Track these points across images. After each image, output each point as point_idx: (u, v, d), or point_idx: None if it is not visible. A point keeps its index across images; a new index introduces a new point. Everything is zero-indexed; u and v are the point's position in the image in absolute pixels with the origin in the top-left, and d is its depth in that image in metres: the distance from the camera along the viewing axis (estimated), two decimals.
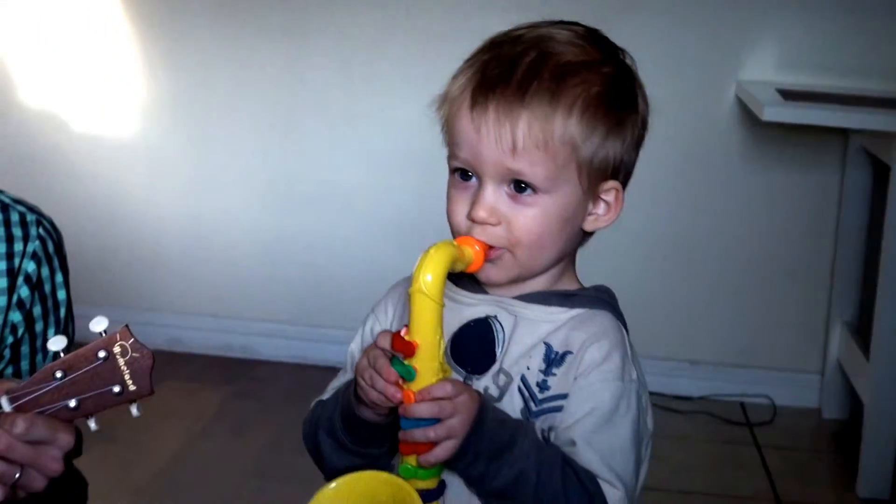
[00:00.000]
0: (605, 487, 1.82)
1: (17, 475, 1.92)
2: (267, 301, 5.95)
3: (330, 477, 1.92)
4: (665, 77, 5.51)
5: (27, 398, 1.92)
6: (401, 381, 1.83)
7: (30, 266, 2.19)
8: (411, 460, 1.85)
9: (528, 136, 1.85)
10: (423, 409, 1.81)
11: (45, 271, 2.21)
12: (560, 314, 1.92)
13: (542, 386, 1.88)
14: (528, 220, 1.88)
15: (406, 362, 1.82)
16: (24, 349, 2.18)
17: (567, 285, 1.98)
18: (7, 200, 2.22)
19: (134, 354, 1.94)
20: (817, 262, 5.71)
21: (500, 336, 1.93)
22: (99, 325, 1.93)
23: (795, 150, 5.67)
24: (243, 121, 5.96)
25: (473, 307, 1.96)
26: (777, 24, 5.67)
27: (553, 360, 1.89)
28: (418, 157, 5.52)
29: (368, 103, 5.77)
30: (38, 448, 1.92)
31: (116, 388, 1.94)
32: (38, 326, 2.18)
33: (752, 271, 5.77)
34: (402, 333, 1.83)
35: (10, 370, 2.14)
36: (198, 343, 5.95)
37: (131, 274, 5.98)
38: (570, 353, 1.88)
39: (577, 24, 1.98)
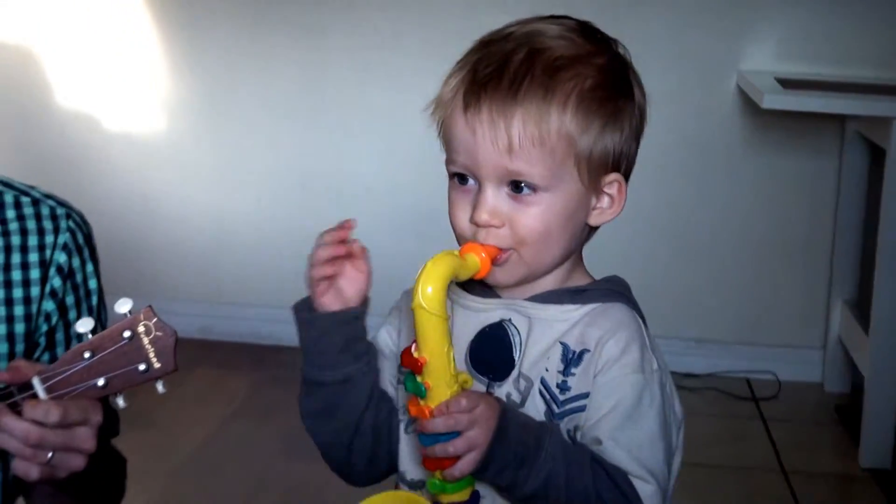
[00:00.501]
0: (637, 483, 1.77)
1: (50, 455, 1.91)
2: (291, 289, 5.92)
3: (324, 451, 1.97)
4: (669, 68, 5.52)
5: (58, 378, 1.92)
6: (417, 399, 1.78)
7: (61, 257, 2.20)
8: (438, 475, 1.79)
9: (523, 135, 1.78)
10: (440, 424, 1.75)
11: (75, 262, 2.21)
12: (574, 311, 1.86)
13: (563, 387, 1.82)
14: (531, 220, 1.82)
15: (418, 379, 1.77)
16: (59, 336, 2.19)
17: (578, 281, 1.92)
18: (38, 196, 2.23)
19: (157, 333, 1.95)
20: (817, 243, 5.71)
21: (517, 340, 1.86)
22: (123, 306, 1.93)
23: (794, 136, 5.67)
24: (264, 118, 5.98)
25: (487, 312, 1.89)
26: (776, 16, 5.68)
27: (571, 359, 1.82)
28: (434, 150, 5.50)
29: (385, 99, 5.78)
30: (71, 430, 1.92)
31: (142, 366, 1.95)
32: (72, 315, 2.19)
33: (755, 253, 5.77)
34: (412, 350, 1.77)
35: (46, 357, 2.16)
36: (227, 331, 5.97)
37: (162, 265, 6.00)
38: (587, 350, 1.82)
39: (567, 17, 1.91)
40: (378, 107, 5.82)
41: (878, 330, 4.85)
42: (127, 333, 1.93)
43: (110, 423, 2.14)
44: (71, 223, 2.23)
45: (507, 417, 1.77)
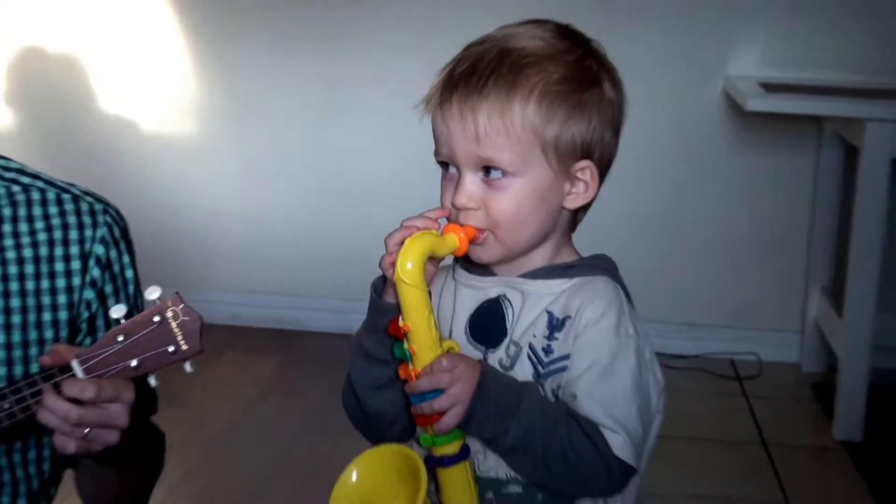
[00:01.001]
0: (607, 434, 1.77)
1: (87, 431, 1.94)
2: (313, 279, 5.97)
3: (369, 423, 1.94)
4: (661, 73, 5.54)
5: (95, 360, 1.95)
6: (406, 364, 1.82)
7: (99, 249, 2.20)
8: (428, 431, 1.83)
9: (489, 125, 1.81)
10: (424, 384, 1.79)
11: (113, 254, 2.22)
12: (561, 285, 1.87)
13: (547, 350, 1.83)
14: (503, 203, 1.84)
15: (404, 345, 1.81)
16: (99, 322, 2.20)
17: (566, 258, 1.92)
18: (77, 192, 2.24)
19: (184, 318, 1.97)
20: (796, 234, 5.72)
21: (510, 312, 1.88)
22: (153, 293, 1.96)
23: (776, 136, 5.67)
24: (285, 122, 5.99)
25: (486, 289, 1.92)
26: (759, 26, 5.68)
27: (555, 325, 1.84)
28: None
29: (395, 105, 5.76)
30: (106, 408, 1.94)
31: (171, 348, 1.97)
32: (111, 302, 2.20)
33: (739, 243, 5.78)
34: (398, 320, 1.82)
35: (87, 341, 2.16)
36: (254, 317, 5.98)
37: (194, 257, 6.01)
38: (569, 317, 1.83)
39: (547, 21, 1.93)
40: (388, 111, 5.82)
41: (852, 315, 4.85)
42: (156, 318, 1.96)
43: (147, 402, 2.17)
44: (108, 218, 2.24)
45: (488, 377, 1.80)
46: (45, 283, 2.16)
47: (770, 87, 5.26)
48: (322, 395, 5.11)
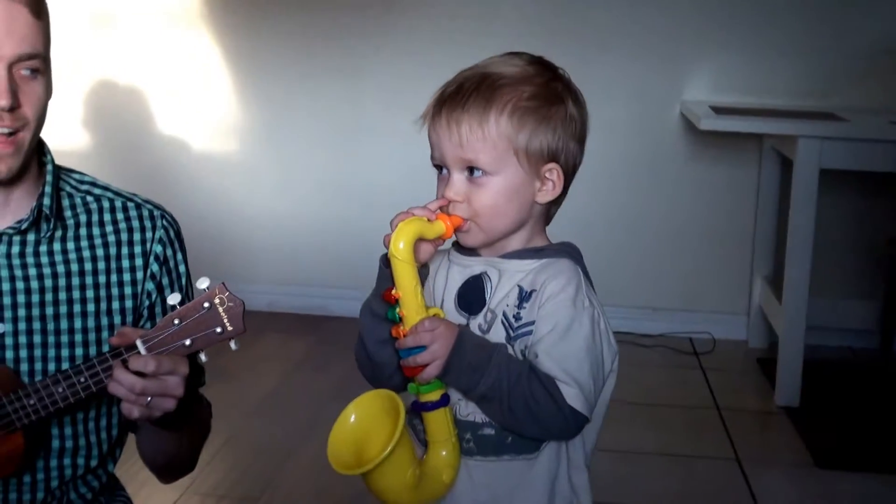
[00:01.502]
0: (562, 387, 1.80)
1: (149, 399, 1.95)
2: (338, 272, 5.97)
3: (374, 370, 1.97)
4: (629, 98, 5.56)
5: (155, 340, 1.96)
6: (397, 325, 1.87)
7: (157, 248, 2.20)
8: (415, 381, 1.87)
9: (469, 133, 1.87)
10: (409, 341, 1.84)
11: (168, 252, 2.22)
12: (531, 264, 1.92)
13: (517, 317, 1.88)
14: (482, 196, 1.89)
15: (396, 310, 1.86)
16: (158, 309, 2.20)
17: (538, 243, 1.97)
18: (139, 201, 2.24)
19: (230, 304, 1.97)
20: (742, 232, 5.72)
21: (489, 286, 1.93)
22: (202, 283, 1.97)
23: (725, 150, 5.68)
24: (312, 140, 5.98)
25: (472, 267, 1.95)
26: (709, 59, 5.69)
27: (524, 297, 1.88)
28: None
29: (407, 124, 5.76)
30: (164, 378, 1.95)
31: (218, 329, 1.97)
32: (167, 292, 2.19)
33: (694, 240, 5.78)
34: (392, 290, 1.86)
35: (148, 325, 2.15)
36: (287, 305, 5.97)
37: (237, 253, 6.00)
38: (534, 290, 1.88)
39: (524, 53, 1.98)
40: (398, 131, 5.78)
41: (789, 300, 4.86)
42: (206, 304, 1.96)
43: (197, 376, 2.17)
44: (165, 222, 2.24)
45: (464, 337, 1.85)
46: (114, 277, 2.16)
47: (719, 110, 5.27)
48: (345, 370, 5.07)
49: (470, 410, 1.90)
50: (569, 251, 1.95)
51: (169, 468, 2.34)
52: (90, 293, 2.13)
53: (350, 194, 5.97)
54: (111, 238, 2.18)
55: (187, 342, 1.97)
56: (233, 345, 2.00)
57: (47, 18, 2.06)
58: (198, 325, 1.97)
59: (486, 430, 1.89)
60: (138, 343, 1.95)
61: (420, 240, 1.88)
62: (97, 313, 2.13)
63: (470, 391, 1.86)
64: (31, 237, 2.11)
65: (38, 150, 2.13)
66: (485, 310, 1.91)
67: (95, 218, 2.18)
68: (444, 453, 1.88)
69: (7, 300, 2.08)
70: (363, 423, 1.89)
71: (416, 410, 1.89)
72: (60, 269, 2.12)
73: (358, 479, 1.90)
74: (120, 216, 2.20)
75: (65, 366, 2.07)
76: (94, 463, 2.18)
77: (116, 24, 5.94)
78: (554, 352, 1.83)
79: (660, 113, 5.71)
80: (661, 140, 5.72)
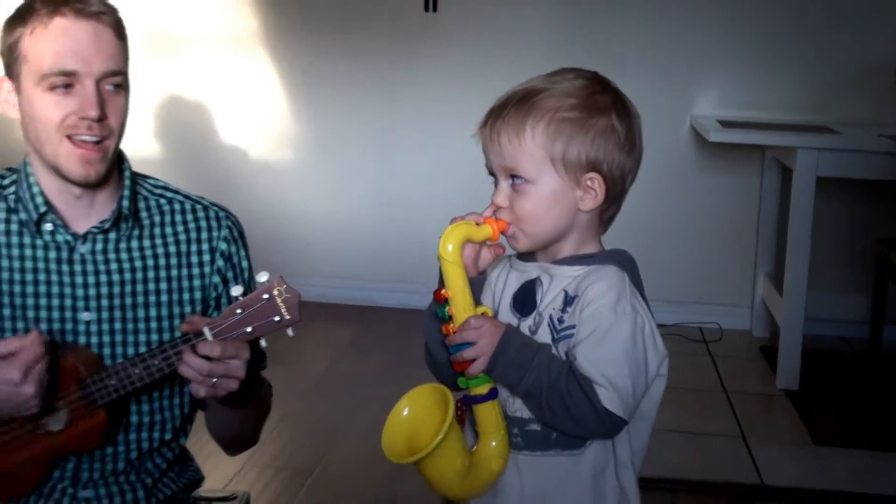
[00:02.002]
0: (597, 389, 1.72)
1: (214, 381, 1.96)
2: (382, 267, 5.97)
3: (437, 368, 1.92)
4: (643, 114, 5.45)
5: (220, 327, 1.96)
6: (447, 323, 1.82)
7: (223, 246, 2.21)
8: (463, 375, 1.83)
9: (508, 143, 1.80)
10: (457, 337, 1.79)
11: (232, 249, 2.23)
12: (578, 270, 1.83)
13: (560, 321, 1.80)
14: (524, 203, 1.81)
15: (445, 309, 1.81)
16: (223, 300, 2.21)
17: (589, 250, 1.88)
18: (206, 203, 2.25)
19: (287, 295, 1.96)
20: (746, 233, 5.70)
21: (540, 290, 1.85)
22: (262, 276, 1.96)
23: (730, 160, 5.66)
24: (360, 149, 5.99)
25: (528, 272, 1.89)
26: (717, 77, 5.68)
27: (567, 302, 1.80)
28: (475, 170, 5.53)
29: (442, 135, 5.78)
30: (228, 362, 1.96)
31: (276, 318, 1.96)
32: (231, 285, 2.20)
33: (703, 240, 5.76)
34: (441, 290, 1.82)
35: (215, 314, 2.16)
36: (337, 296, 5.98)
37: (292, 251, 6.00)
38: (577, 296, 1.79)
39: (578, 69, 1.92)
40: (434, 141, 5.83)
41: (789, 293, 4.85)
42: (266, 296, 1.96)
43: (259, 360, 2.18)
44: (229, 222, 2.25)
45: (510, 335, 1.78)
46: (184, 272, 2.17)
47: (726, 124, 5.27)
48: (388, 355, 5.11)
49: (518, 407, 1.83)
50: (617, 259, 1.88)
51: (233, 442, 2.35)
52: (163, 285, 2.15)
53: (392, 197, 5.98)
54: (182, 237, 2.19)
55: (249, 329, 1.97)
56: (289, 332, 1.99)
57: (126, 40, 2.09)
58: (258, 314, 1.97)
59: (533, 426, 1.82)
60: (205, 330, 1.96)
61: (470, 243, 1.83)
62: (170, 303, 2.15)
63: (514, 387, 1.80)
64: (112, 235, 2.13)
65: (118, 158, 2.14)
66: (534, 312, 1.84)
67: (168, 219, 2.20)
68: (493, 444, 1.82)
69: (92, 291, 2.09)
70: (415, 415, 1.84)
71: (466, 403, 1.85)
72: (138, 263, 2.14)
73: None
74: (189, 217, 2.22)
75: (141, 350, 2.09)
76: (167, 437, 2.20)
77: (184, 46, 5.96)
78: (591, 355, 1.75)
79: (672, 126, 5.69)
80: (673, 151, 5.71)
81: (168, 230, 2.19)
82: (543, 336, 1.82)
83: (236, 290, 1.98)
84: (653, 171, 5.71)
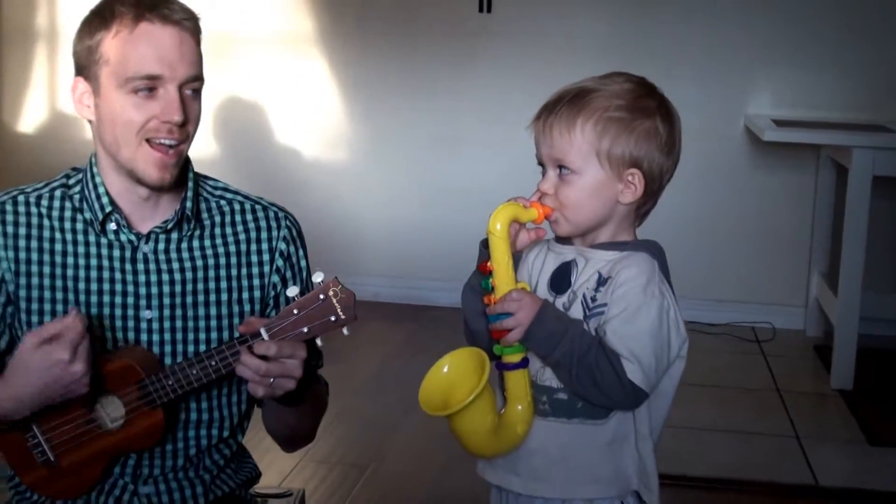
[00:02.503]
0: (624, 362, 1.85)
1: (272, 380, 1.98)
2: (435, 266, 5.98)
3: (473, 337, 2.03)
4: (698, 113, 5.50)
5: (277, 327, 1.98)
6: (489, 294, 1.93)
7: (282, 246, 2.23)
8: (499, 343, 1.92)
9: (559, 137, 1.92)
10: (498, 307, 1.90)
11: (291, 249, 2.24)
12: (612, 255, 1.94)
13: (593, 300, 1.91)
14: (568, 192, 1.93)
15: (490, 280, 1.92)
16: (282, 299, 2.22)
17: (623, 237, 1.99)
18: (265, 204, 2.26)
19: (342, 295, 1.98)
20: (801, 232, 5.67)
21: (575, 271, 1.96)
22: (318, 277, 1.98)
23: (785, 159, 5.63)
24: (413, 149, 6.01)
25: (565, 255, 1.99)
26: (771, 77, 5.66)
27: (600, 282, 1.91)
28: (527, 167, 5.53)
29: (496, 134, 5.79)
30: (285, 362, 1.98)
31: (332, 318, 1.98)
32: (289, 285, 2.21)
33: (757, 239, 5.74)
34: (487, 263, 1.93)
35: (273, 314, 2.16)
36: (391, 295, 6.00)
37: (348, 250, 6.03)
38: (610, 277, 1.91)
39: (627, 73, 2.01)
40: (489, 141, 5.84)
41: (843, 294, 4.83)
42: (321, 296, 1.97)
43: (316, 359, 2.19)
44: (287, 222, 2.26)
45: (546, 309, 1.90)
46: (244, 271, 2.19)
47: (780, 123, 5.25)
48: (441, 352, 5.11)
49: (548, 376, 1.94)
50: (649, 247, 1.97)
51: (290, 439, 2.36)
52: (223, 284, 2.17)
53: (446, 197, 5.98)
54: (242, 236, 2.20)
55: (305, 329, 1.98)
56: (345, 331, 2.00)
57: (201, 47, 2.12)
58: (314, 314, 1.98)
59: (560, 395, 1.93)
60: (262, 331, 1.97)
61: (516, 223, 1.93)
62: (229, 302, 2.16)
63: (546, 357, 1.91)
64: (174, 235, 2.15)
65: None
66: (569, 291, 1.95)
67: (228, 219, 2.21)
68: (519, 408, 1.92)
69: (154, 290, 2.11)
70: (453, 373, 1.96)
71: (499, 369, 1.95)
72: (199, 263, 2.16)
73: (455, 448, 1.94)
74: (249, 217, 2.23)
75: (201, 348, 2.10)
76: (225, 434, 2.21)
77: (242, 48, 5.99)
78: (620, 331, 1.86)
79: (726, 126, 5.67)
80: (727, 150, 5.69)
81: (228, 230, 2.20)
82: (576, 313, 1.93)
83: (292, 291, 1.99)
84: (707, 170, 5.72)
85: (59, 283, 2.09)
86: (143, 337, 2.11)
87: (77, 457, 2.06)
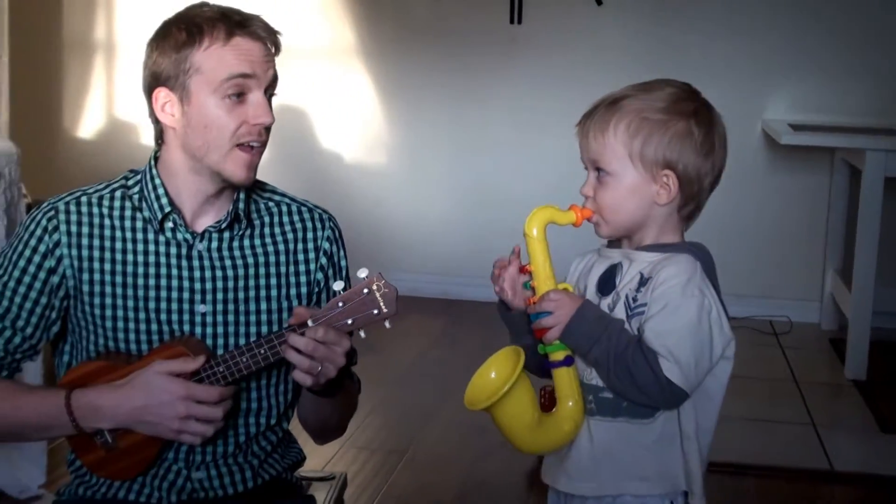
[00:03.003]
0: (661, 360, 1.79)
1: (319, 368, 1.99)
2: (470, 263, 5.98)
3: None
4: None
5: (323, 319, 1.99)
6: (530, 296, 1.90)
7: (326, 245, 2.23)
8: (542, 342, 1.89)
9: (594, 140, 1.88)
10: (536, 307, 1.87)
11: (333, 248, 2.25)
12: (655, 257, 1.88)
13: (634, 300, 1.85)
14: (605, 194, 1.89)
15: (530, 282, 1.90)
16: (324, 295, 2.23)
17: (669, 240, 1.93)
18: (311, 206, 2.27)
19: (385, 289, 1.99)
20: (816, 232, 5.66)
21: (620, 273, 1.91)
22: (362, 273, 1.99)
23: (801, 161, 5.62)
24: (449, 154, 6.02)
25: (612, 258, 1.94)
26: (787, 82, 5.66)
27: (642, 283, 1.86)
28: (558, 168, 5.54)
29: (528, 139, 5.79)
30: (331, 347, 1.99)
31: (375, 311, 1.99)
32: (332, 280, 2.23)
33: (775, 237, 5.73)
34: (527, 265, 1.90)
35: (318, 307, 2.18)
36: (427, 290, 5.99)
37: (386, 249, 6.04)
38: (650, 278, 1.85)
39: (672, 80, 1.96)
40: (521, 145, 5.85)
41: (857, 289, 4.82)
42: (365, 290, 1.98)
43: (351, 355, 2.19)
44: (331, 224, 2.27)
45: (585, 309, 1.86)
46: (291, 268, 2.20)
47: (796, 127, 5.25)
48: (475, 345, 5.11)
49: (594, 376, 1.88)
50: (692, 249, 1.92)
51: (322, 431, 2.36)
52: (273, 280, 2.18)
53: (479, 198, 5.99)
54: (289, 236, 2.22)
55: (349, 321, 1.99)
56: (387, 324, 2.01)
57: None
58: (358, 308, 1.99)
59: (606, 394, 1.88)
60: (309, 322, 1.98)
61: (555, 224, 1.90)
62: (278, 297, 2.17)
63: (585, 355, 1.86)
64: (226, 234, 2.16)
65: None
66: (613, 292, 1.90)
67: (276, 220, 2.22)
68: (570, 405, 1.88)
69: (209, 285, 2.13)
70: (497, 374, 1.92)
71: (545, 368, 1.91)
72: (250, 260, 2.17)
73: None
74: (296, 218, 2.24)
75: (252, 340, 2.11)
76: (272, 421, 2.22)
77: (288, 58, 6.00)
78: (658, 329, 1.80)
79: (744, 129, 5.64)
80: (745, 153, 5.66)
81: (277, 230, 2.21)
82: (619, 313, 1.88)
83: (338, 285, 2.01)
84: (727, 172, 5.63)
85: (119, 279, 2.11)
86: (198, 330, 2.12)
87: (133, 439, 2.07)
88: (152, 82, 2.10)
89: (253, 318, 2.15)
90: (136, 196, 2.16)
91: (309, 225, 2.25)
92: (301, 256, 2.22)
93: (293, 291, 2.19)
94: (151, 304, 2.11)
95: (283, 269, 2.19)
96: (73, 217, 2.12)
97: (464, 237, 6.01)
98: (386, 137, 6.07)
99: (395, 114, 6.05)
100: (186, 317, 2.12)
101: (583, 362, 1.90)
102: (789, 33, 5.63)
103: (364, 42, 6.03)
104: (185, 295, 2.12)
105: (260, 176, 2.24)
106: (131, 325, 2.10)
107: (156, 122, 2.13)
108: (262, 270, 2.18)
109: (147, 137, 5.38)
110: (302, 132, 6.13)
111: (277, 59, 2.19)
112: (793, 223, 5.70)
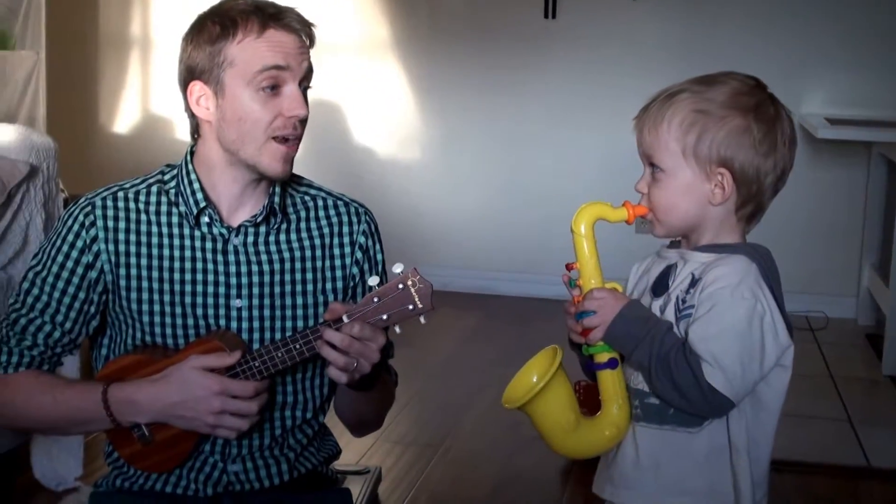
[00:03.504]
0: (704, 365, 1.71)
1: (355, 364, 1.98)
2: (504, 258, 5.99)
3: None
4: None
5: (358, 314, 1.97)
6: (576, 294, 1.84)
7: (361, 239, 2.23)
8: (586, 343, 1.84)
9: (647, 135, 1.81)
10: (580, 306, 1.81)
11: (369, 242, 2.24)
12: (708, 258, 1.80)
13: (684, 301, 1.77)
14: (658, 192, 1.82)
15: (575, 281, 1.84)
16: (360, 289, 2.23)
17: (727, 240, 1.84)
18: (347, 200, 2.26)
19: (420, 285, 1.97)
20: (854, 227, 5.63)
21: (674, 274, 1.84)
22: (397, 268, 1.97)
23: (838, 156, 5.59)
24: (483, 149, 6.02)
25: (669, 259, 1.88)
26: (823, 77, 5.65)
27: (692, 284, 1.79)
28: (593, 164, 5.53)
29: (562, 134, 5.79)
30: (366, 344, 1.98)
31: (410, 307, 1.97)
32: (368, 275, 2.22)
33: (811, 232, 5.70)
34: (574, 263, 1.85)
35: (353, 303, 2.17)
36: (461, 285, 6.00)
37: (421, 243, 6.05)
38: (700, 279, 1.78)
39: (737, 73, 1.89)
40: (554, 140, 5.84)
41: (895, 284, 4.79)
42: (400, 286, 1.96)
43: (387, 349, 2.19)
44: (367, 217, 2.26)
45: (629, 308, 1.80)
46: (327, 263, 2.19)
47: (833, 121, 5.23)
48: (509, 339, 5.13)
49: (640, 380, 1.82)
50: (748, 250, 1.83)
51: (359, 424, 2.36)
52: (308, 275, 2.17)
53: (512, 193, 5.98)
54: (325, 230, 2.21)
55: (384, 317, 1.97)
56: (422, 319, 1.99)
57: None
58: (393, 303, 1.97)
59: (652, 399, 1.81)
60: (344, 317, 1.97)
61: (605, 221, 1.84)
62: (314, 292, 2.17)
63: (628, 357, 1.80)
64: (262, 229, 2.16)
65: None
66: (665, 294, 1.83)
67: (312, 214, 2.22)
68: (615, 409, 1.82)
69: (244, 280, 2.13)
70: (538, 375, 1.87)
71: (589, 370, 1.86)
72: (286, 255, 2.17)
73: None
74: (332, 212, 2.24)
75: (287, 335, 2.10)
76: (308, 415, 2.22)
77: (322, 52, 6.01)
78: (702, 332, 1.73)
79: None
80: None
81: (313, 224, 2.21)
82: (669, 315, 1.81)
83: (373, 281, 1.99)
84: None
85: (155, 273, 2.12)
86: (234, 324, 2.12)
87: (169, 433, 2.07)
88: (187, 76, 2.11)
89: (289, 312, 2.15)
90: (172, 191, 2.16)
91: (345, 219, 2.24)
92: (337, 251, 2.21)
93: (329, 286, 2.19)
94: (187, 299, 2.11)
95: (318, 264, 2.19)
96: (110, 212, 2.13)
97: (498, 232, 6.01)
98: (419, 132, 6.08)
99: (429, 108, 6.06)
100: (222, 311, 2.12)
101: (629, 366, 1.84)
102: (824, 26, 5.60)
103: (398, 37, 6.04)
104: (221, 290, 2.12)
105: (296, 170, 2.24)
106: (167, 320, 2.11)
107: (191, 116, 2.14)
108: (297, 265, 2.17)
109: (183, 132, 5.42)
110: (335, 127, 6.14)
111: (311, 53, 2.18)
112: (829, 218, 5.67)
